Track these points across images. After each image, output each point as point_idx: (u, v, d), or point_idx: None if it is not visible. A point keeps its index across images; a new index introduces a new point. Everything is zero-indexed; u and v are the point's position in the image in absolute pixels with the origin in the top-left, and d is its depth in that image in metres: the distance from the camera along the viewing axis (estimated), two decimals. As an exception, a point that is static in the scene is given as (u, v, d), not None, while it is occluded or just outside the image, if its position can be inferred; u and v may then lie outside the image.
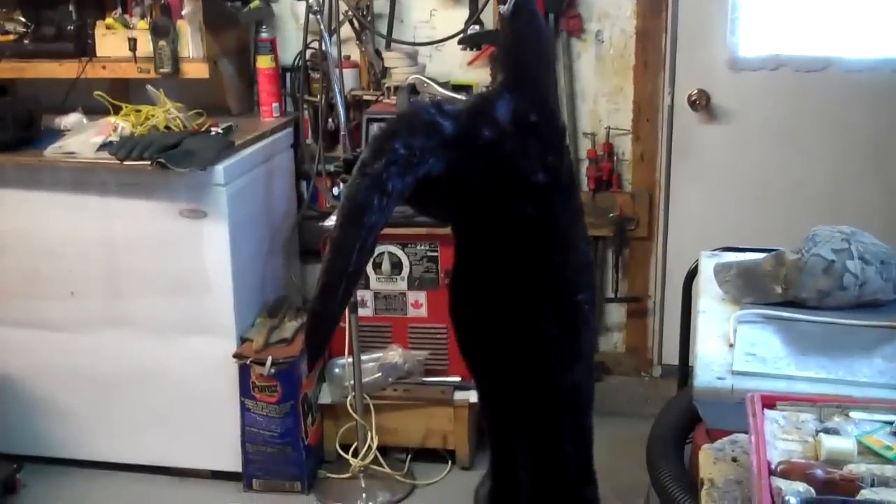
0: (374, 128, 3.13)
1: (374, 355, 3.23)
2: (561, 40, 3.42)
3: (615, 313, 3.72)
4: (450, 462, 3.29)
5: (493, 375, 1.73)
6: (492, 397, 1.77)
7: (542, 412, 1.66)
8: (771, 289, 1.99)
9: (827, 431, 1.32)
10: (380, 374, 3.21)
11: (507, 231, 1.57)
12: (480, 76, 3.46)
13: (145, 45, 3.22)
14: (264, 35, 3.41)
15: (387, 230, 3.13)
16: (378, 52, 3.45)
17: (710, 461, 1.51)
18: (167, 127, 3.13)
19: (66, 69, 3.27)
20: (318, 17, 3.10)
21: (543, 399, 1.64)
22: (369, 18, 3.41)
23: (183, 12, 3.21)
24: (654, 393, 3.58)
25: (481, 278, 1.63)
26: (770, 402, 1.40)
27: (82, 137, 3.02)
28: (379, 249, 3.20)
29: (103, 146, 2.98)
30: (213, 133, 3.13)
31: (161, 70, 3.21)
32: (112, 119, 3.13)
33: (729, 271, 2.07)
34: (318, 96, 3.39)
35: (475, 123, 1.53)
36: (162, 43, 3.18)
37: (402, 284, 3.23)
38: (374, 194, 1.45)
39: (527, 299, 1.56)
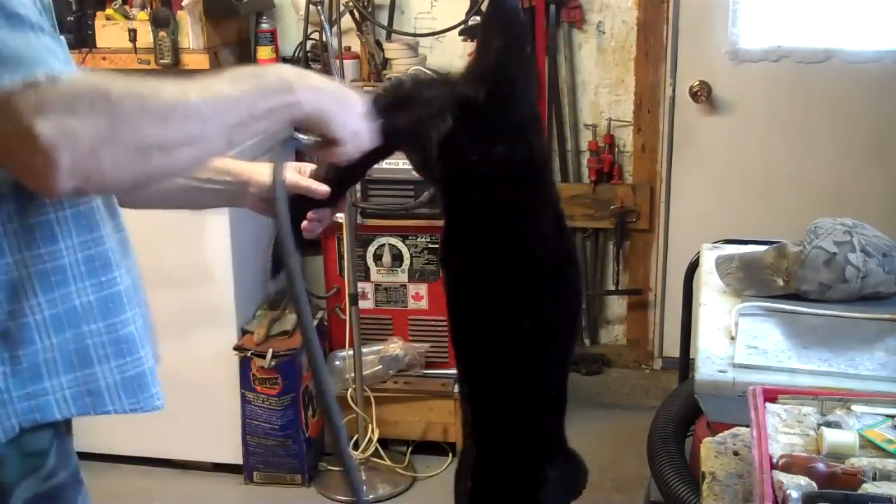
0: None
1: (375, 348, 3.23)
2: (562, 31, 3.41)
3: (616, 306, 3.72)
4: (450, 454, 3.29)
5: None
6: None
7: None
8: (772, 281, 1.99)
9: (829, 425, 1.31)
10: (380, 366, 3.21)
11: (458, 212, 1.54)
12: (481, 67, 3.44)
13: (146, 36, 3.21)
14: (264, 26, 3.40)
15: (388, 222, 3.15)
16: (379, 44, 3.45)
17: (711, 454, 1.51)
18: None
19: (65, 60, 3.26)
20: (319, 7, 3.09)
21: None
22: (370, 9, 3.39)
23: (183, 3, 3.20)
24: (655, 385, 3.58)
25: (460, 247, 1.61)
26: (771, 395, 1.39)
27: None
28: (379, 241, 3.20)
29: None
30: (213, 124, 3.12)
31: (161, 61, 3.20)
32: (112, 110, 3.12)
33: (730, 264, 2.06)
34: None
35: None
36: (162, 34, 3.17)
37: (402, 276, 3.23)
38: None
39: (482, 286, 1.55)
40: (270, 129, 1.06)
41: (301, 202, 1.39)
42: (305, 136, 1.14)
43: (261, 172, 1.44)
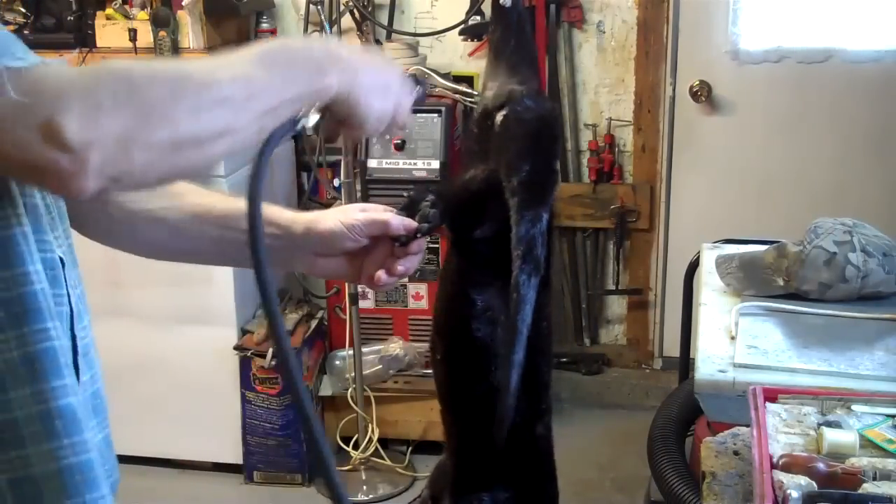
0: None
1: (375, 347, 3.23)
2: (562, 31, 3.41)
3: (616, 305, 3.72)
4: (450, 454, 3.29)
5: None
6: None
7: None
8: (772, 281, 1.98)
9: (829, 425, 1.31)
10: (380, 366, 3.21)
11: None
12: (481, 67, 3.44)
13: (146, 36, 3.21)
14: (265, 26, 3.40)
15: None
16: (379, 43, 3.44)
17: (711, 454, 1.51)
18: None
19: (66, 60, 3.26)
20: (319, 7, 3.09)
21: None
22: (370, 9, 3.39)
23: (183, 2, 3.20)
24: (655, 385, 3.58)
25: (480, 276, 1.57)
26: (772, 394, 1.39)
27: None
28: (380, 241, 3.20)
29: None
30: (213, 124, 3.12)
31: (161, 61, 3.20)
32: (112, 110, 3.12)
33: (730, 263, 2.06)
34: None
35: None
36: (162, 33, 3.17)
37: (402, 276, 3.22)
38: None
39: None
40: (296, 113, 0.94)
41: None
42: (309, 119, 0.98)
43: (322, 220, 1.20)
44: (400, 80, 1.04)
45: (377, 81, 0.99)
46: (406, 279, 3.21)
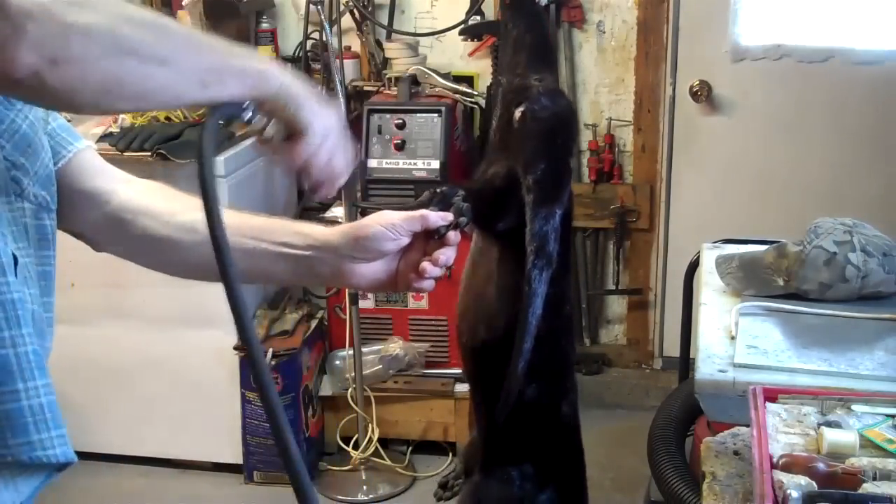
0: (375, 119, 3.12)
1: (375, 347, 3.22)
2: (562, 31, 3.41)
3: (616, 305, 3.72)
4: (451, 454, 3.29)
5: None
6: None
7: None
8: (773, 281, 1.98)
9: (829, 425, 1.31)
10: (380, 366, 3.21)
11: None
12: (482, 67, 3.45)
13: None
14: (265, 25, 3.40)
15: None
16: (379, 43, 3.44)
17: (711, 454, 1.51)
18: (167, 118, 3.12)
19: (65, 60, 3.26)
20: (319, 7, 3.09)
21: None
22: (370, 9, 3.39)
23: (183, 2, 3.21)
24: (656, 385, 3.58)
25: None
26: (772, 394, 1.39)
27: (82, 128, 3.01)
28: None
29: (104, 137, 2.98)
30: (213, 124, 3.12)
31: (161, 61, 3.19)
32: (112, 110, 3.12)
33: (730, 263, 2.06)
34: (319, 87, 3.38)
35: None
36: (162, 33, 3.17)
37: (402, 276, 3.22)
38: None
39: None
40: (240, 94, 0.94)
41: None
42: (256, 116, 0.98)
43: (360, 227, 1.21)
44: (342, 126, 1.06)
45: (317, 95, 1.01)
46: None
